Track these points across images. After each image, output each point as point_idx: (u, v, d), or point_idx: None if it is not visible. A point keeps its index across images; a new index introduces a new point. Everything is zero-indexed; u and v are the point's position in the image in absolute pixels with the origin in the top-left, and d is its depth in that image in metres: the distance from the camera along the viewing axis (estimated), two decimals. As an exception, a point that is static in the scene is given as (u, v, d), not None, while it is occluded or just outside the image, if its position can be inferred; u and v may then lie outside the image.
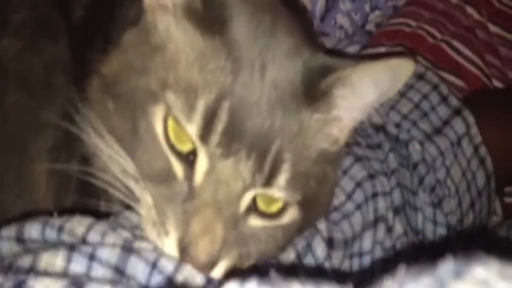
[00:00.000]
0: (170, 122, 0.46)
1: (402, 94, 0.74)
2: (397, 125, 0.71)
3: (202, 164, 0.46)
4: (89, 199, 0.52)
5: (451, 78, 0.87)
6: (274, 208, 0.49)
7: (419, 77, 0.75)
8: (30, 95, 0.56)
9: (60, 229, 0.43)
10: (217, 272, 0.45)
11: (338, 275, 0.34)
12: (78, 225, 0.44)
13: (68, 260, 0.39)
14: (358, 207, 0.61)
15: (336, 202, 0.60)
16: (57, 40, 0.58)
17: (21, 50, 0.57)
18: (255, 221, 0.48)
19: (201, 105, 0.45)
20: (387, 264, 0.29)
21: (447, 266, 0.26)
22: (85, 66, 0.53)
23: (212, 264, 0.45)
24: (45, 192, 0.55)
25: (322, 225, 0.57)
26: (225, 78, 0.46)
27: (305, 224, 0.53)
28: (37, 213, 0.45)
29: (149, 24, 0.50)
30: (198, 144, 0.45)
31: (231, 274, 0.44)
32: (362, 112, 0.52)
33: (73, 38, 0.58)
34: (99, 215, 0.46)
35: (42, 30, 0.58)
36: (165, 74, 0.47)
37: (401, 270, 0.27)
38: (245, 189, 0.46)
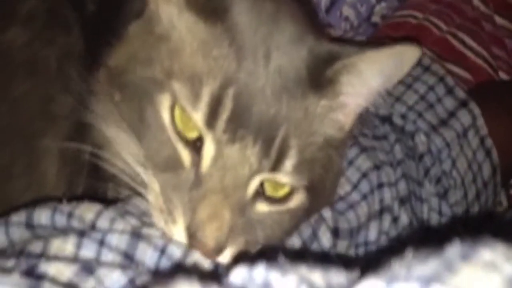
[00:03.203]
0: (177, 110, 0.47)
1: (408, 86, 0.73)
2: (403, 116, 0.71)
3: (208, 150, 0.46)
4: (99, 185, 0.52)
5: (457, 70, 0.87)
6: (281, 193, 0.49)
7: (425, 68, 0.75)
8: (41, 86, 0.56)
9: (70, 215, 0.43)
10: (224, 258, 0.46)
11: (344, 261, 0.34)
12: (87, 211, 0.44)
13: (78, 245, 0.39)
14: (364, 197, 0.61)
15: (342, 192, 0.60)
16: (70, 32, 0.58)
17: (30, 40, 0.57)
18: (262, 207, 0.49)
19: (206, 93, 0.45)
20: (393, 250, 0.30)
21: (454, 249, 0.26)
22: (97, 59, 0.54)
23: (219, 250, 0.45)
24: (56, 182, 0.55)
25: (327, 215, 0.57)
26: (229, 65, 0.46)
27: (311, 209, 0.53)
28: (47, 200, 0.46)
29: (152, 14, 0.50)
30: (204, 130, 0.46)
31: (239, 258, 0.45)
32: (367, 98, 0.52)
33: (86, 31, 0.58)
34: (108, 202, 0.47)
35: (54, 21, 0.58)
36: (170, 63, 0.47)
37: (409, 253, 0.27)
38: (252, 174, 0.47)
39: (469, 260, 0.25)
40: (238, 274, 0.30)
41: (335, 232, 0.57)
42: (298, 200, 0.50)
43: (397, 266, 0.27)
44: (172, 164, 0.47)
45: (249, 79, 0.46)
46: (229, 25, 0.47)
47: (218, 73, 0.46)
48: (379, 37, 0.92)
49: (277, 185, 0.49)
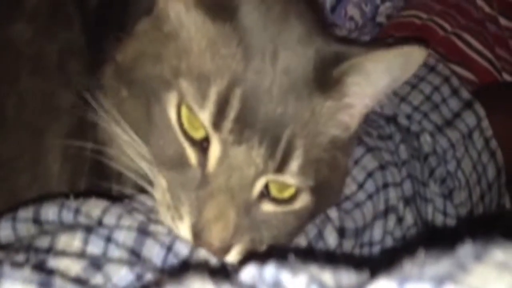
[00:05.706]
0: (184, 109, 0.46)
1: (413, 86, 0.73)
2: (408, 117, 0.71)
3: (215, 150, 0.46)
4: (102, 182, 0.52)
5: (461, 71, 0.87)
6: (287, 194, 0.49)
7: (431, 69, 0.75)
8: (45, 80, 0.56)
9: (77, 212, 0.43)
10: (231, 257, 0.46)
11: (351, 261, 0.34)
12: (94, 207, 0.44)
13: (85, 241, 0.39)
14: (370, 197, 0.61)
15: (347, 191, 0.60)
16: (72, 27, 0.58)
17: (35, 35, 0.57)
18: (267, 207, 0.48)
19: (213, 92, 0.45)
20: (400, 251, 0.29)
21: (466, 249, 0.26)
22: (100, 54, 0.54)
23: (225, 250, 0.45)
24: (59, 178, 0.55)
25: (334, 214, 0.57)
26: (237, 65, 0.46)
27: (317, 210, 0.53)
28: (54, 196, 0.46)
29: (161, 12, 0.50)
30: (211, 131, 0.46)
31: (249, 257, 0.45)
32: (373, 98, 0.52)
33: (88, 26, 0.58)
34: (112, 199, 0.47)
35: (56, 17, 0.59)
36: (178, 62, 0.47)
37: (421, 253, 0.27)
38: (258, 175, 0.46)
39: (481, 260, 0.25)
40: (249, 273, 0.30)
41: (341, 232, 0.57)
42: (303, 200, 0.50)
43: (409, 266, 0.27)
44: (178, 162, 0.47)
45: (256, 79, 0.46)
46: (237, 25, 0.47)
47: (225, 73, 0.46)
48: (384, 37, 0.92)
49: (283, 186, 0.49)
